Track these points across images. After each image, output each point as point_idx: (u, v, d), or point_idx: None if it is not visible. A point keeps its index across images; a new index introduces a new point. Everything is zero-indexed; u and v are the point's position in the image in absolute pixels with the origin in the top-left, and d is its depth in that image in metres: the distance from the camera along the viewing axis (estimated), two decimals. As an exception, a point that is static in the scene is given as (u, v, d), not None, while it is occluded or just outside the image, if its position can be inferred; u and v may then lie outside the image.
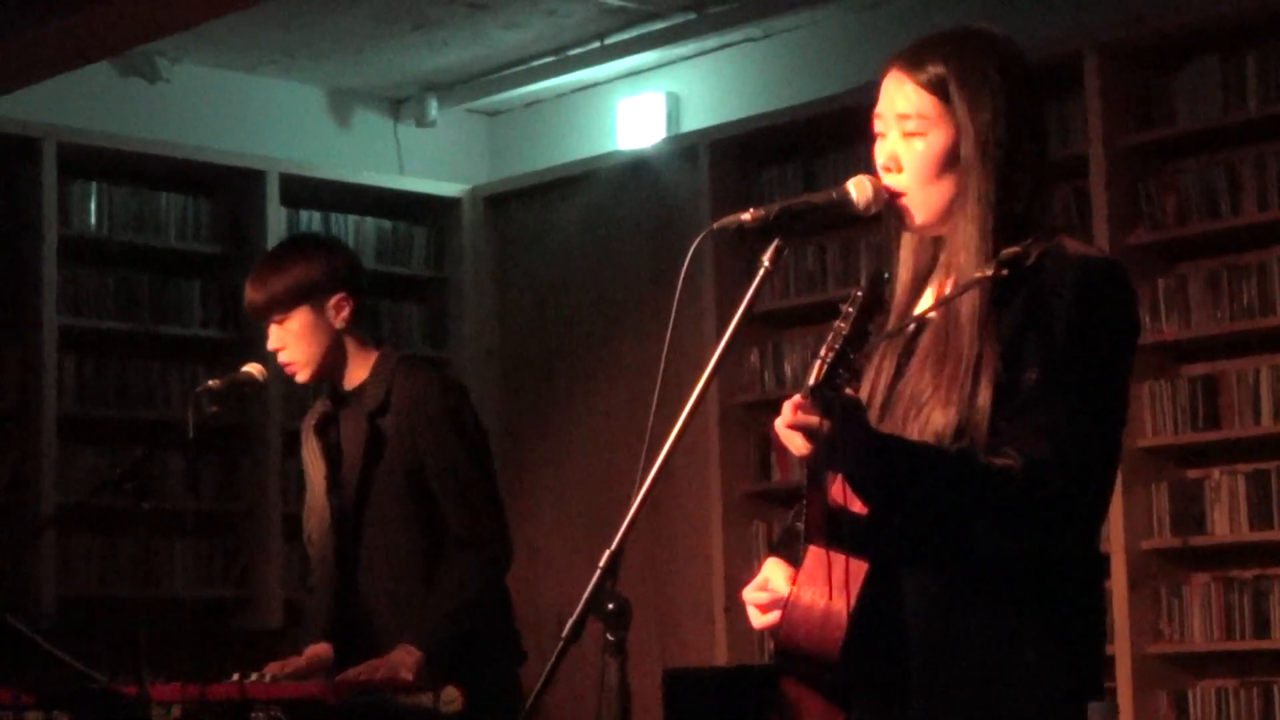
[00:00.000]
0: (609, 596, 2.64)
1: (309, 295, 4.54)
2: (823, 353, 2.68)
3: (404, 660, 4.33)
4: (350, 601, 4.57)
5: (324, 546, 4.61)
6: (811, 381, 2.67)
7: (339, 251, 4.72)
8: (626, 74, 8.45)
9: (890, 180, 2.91)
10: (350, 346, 4.60)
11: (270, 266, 4.61)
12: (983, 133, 2.87)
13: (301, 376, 4.60)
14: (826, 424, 2.66)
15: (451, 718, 4.27)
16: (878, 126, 2.95)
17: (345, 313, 4.57)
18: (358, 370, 4.60)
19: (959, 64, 2.89)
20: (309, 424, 4.71)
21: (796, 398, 2.69)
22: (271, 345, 4.59)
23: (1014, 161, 2.88)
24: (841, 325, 2.70)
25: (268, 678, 4.30)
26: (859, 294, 2.72)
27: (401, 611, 4.48)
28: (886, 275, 2.94)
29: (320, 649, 4.56)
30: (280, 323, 4.55)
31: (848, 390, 2.70)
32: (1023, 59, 2.94)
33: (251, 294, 4.57)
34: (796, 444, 2.70)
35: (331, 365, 4.59)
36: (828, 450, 2.68)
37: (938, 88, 2.88)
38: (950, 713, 2.81)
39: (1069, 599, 2.82)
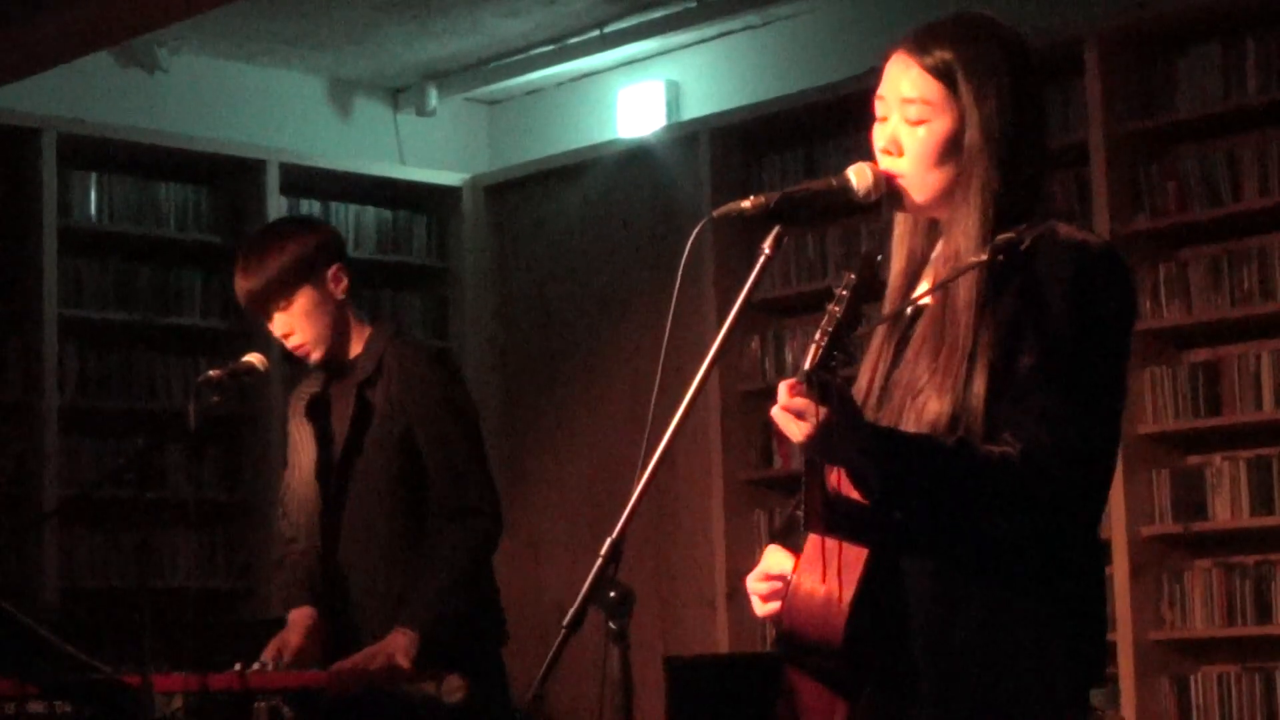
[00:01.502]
0: (610, 584, 2.64)
1: (308, 273, 4.50)
2: (817, 336, 2.68)
3: (400, 644, 4.32)
4: (332, 573, 4.55)
5: (306, 517, 4.58)
6: (807, 365, 2.67)
7: (319, 225, 4.73)
8: (626, 62, 8.45)
9: (888, 163, 2.91)
10: (350, 319, 4.58)
11: (260, 255, 4.53)
12: (988, 121, 2.86)
13: (315, 356, 4.56)
14: (824, 411, 2.66)
15: (454, 707, 4.27)
16: (879, 109, 2.94)
17: (344, 283, 4.55)
18: (355, 344, 4.59)
19: (966, 51, 2.88)
20: (299, 406, 4.68)
21: (791, 380, 2.69)
22: (279, 332, 4.55)
23: (1017, 150, 2.88)
24: (835, 309, 2.70)
25: (270, 666, 4.30)
26: (852, 276, 2.72)
27: (383, 582, 4.46)
28: (880, 257, 2.94)
29: (303, 614, 4.53)
30: (285, 308, 4.52)
31: (841, 375, 2.71)
32: (1026, 47, 2.94)
33: (249, 285, 4.51)
34: (793, 430, 2.70)
35: (340, 338, 4.57)
36: (824, 436, 2.68)
37: (944, 73, 2.88)
38: (953, 699, 2.81)
39: (1070, 586, 2.82)
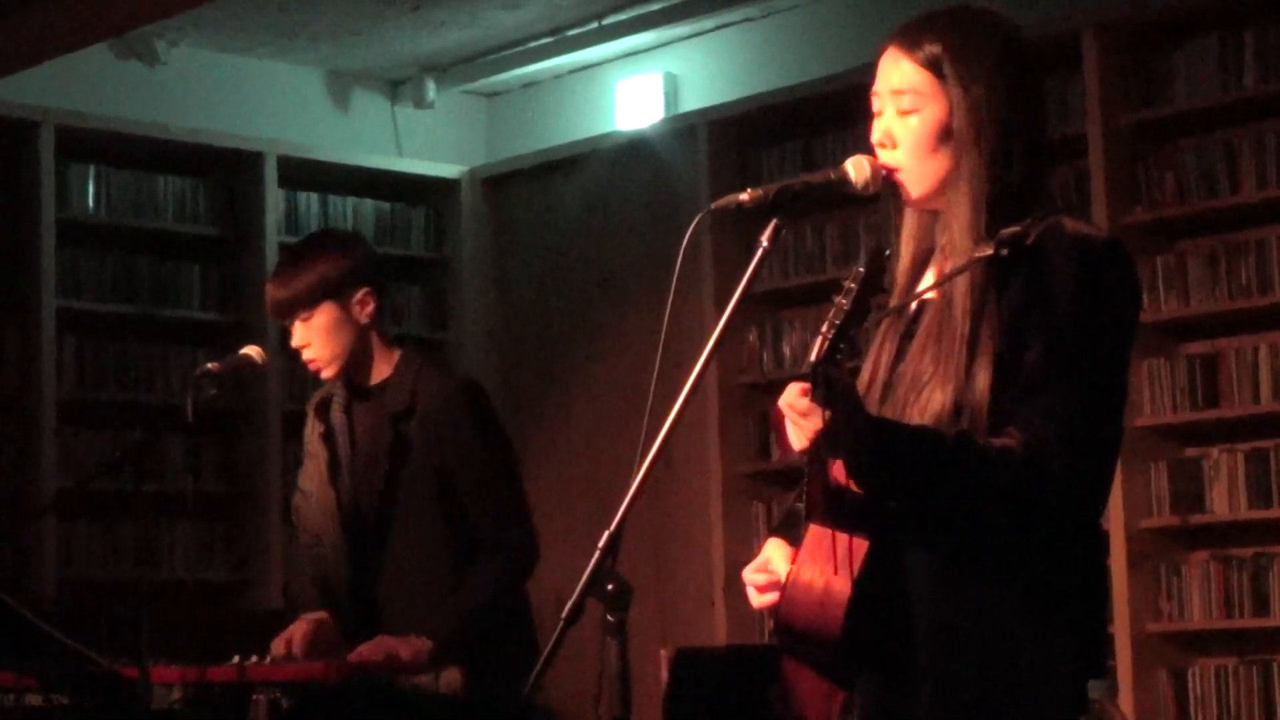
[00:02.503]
0: (609, 577, 2.65)
1: (334, 291, 4.48)
2: (824, 329, 2.69)
3: (415, 645, 4.32)
4: (366, 604, 4.53)
5: (333, 544, 4.57)
6: (812, 358, 2.67)
7: (361, 246, 4.65)
8: (624, 54, 8.44)
9: (885, 156, 2.92)
10: (375, 343, 4.55)
11: (293, 264, 4.54)
12: (976, 108, 2.87)
13: (327, 374, 4.55)
14: (828, 414, 2.67)
15: (451, 699, 4.27)
16: (874, 104, 2.96)
17: (370, 308, 4.51)
18: (381, 368, 4.55)
19: (954, 41, 2.90)
20: (315, 414, 4.67)
21: (803, 384, 2.70)
22: (296, 343, 4.53)
23: (1008, 138, 2.88)
24: (843, 302, 2.70)
25: (267, 660, 4.29)
26: (861, 270, 2.73)
27: (418, 613, 4.45)
28: (888, 252, 2.95)
29: (320, 615, 4.53)
30: (305, 320, 4.50)
31: (850, 368, 2.71)
32: (1020, 37, 2.95)
33: (275, 292, 4.51)
34: (795, 436, 2.72)
35: (356, 362, 4.55)
36: (829, 436, 2.69)
37: (933, 64, 2.89)
38: (952, 691, 2.81)
39: (1071, 578, 2.83)
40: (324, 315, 4.49)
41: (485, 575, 4.46)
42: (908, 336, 2.91)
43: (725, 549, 7.56)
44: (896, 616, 2.82)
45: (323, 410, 4.63)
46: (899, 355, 2.91)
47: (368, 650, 4.32)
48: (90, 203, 7.75)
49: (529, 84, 8.84)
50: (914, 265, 2.98)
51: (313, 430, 4.64)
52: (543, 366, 8.48)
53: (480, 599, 4.44)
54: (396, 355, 4.56)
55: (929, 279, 2.95)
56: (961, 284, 2.82)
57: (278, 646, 4.41)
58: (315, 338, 4.51)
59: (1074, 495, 2.79)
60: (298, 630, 4.45)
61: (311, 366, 4.55)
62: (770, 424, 7.54)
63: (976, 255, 2.82)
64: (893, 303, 2.95)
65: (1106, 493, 2.88)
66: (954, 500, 2.77)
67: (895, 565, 2.81)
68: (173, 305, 7.92)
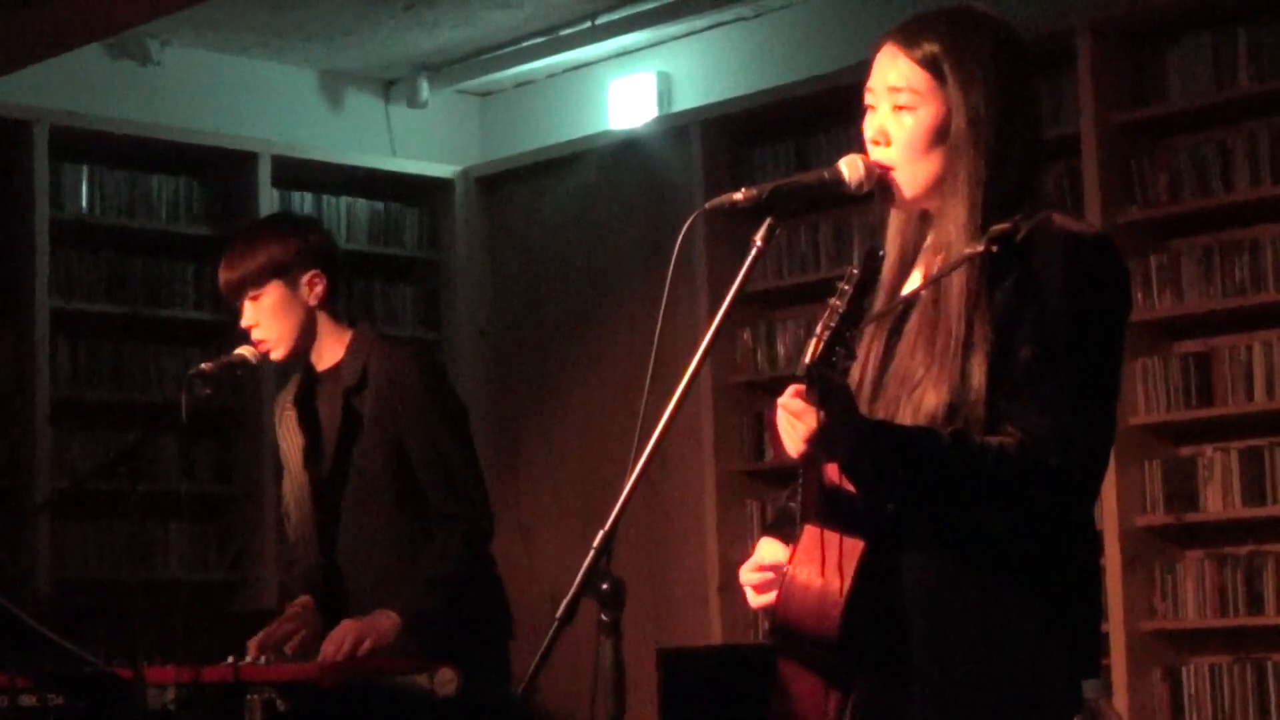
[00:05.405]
0: (603, 576, 2.65)
1: (281, 271, 4.55)
2: (819, 331, 2.69)
3: (382, 626, 4.33)
4: (331, 578, 4.58)
5: (303, 523, 4.62)
6: (807, 360, 2.67)
7: (313, 230, 4.72)
8: (618, 54, 8.45)
9: (878, 154, 2.91)
10: (324, 325, 4.60)
11: (244, 243, 4.63)
12: (974, 111, 2.87)
13: (276, 354, 4.60)
14: (823, 415, 2.67)
15: (446, 699, 4.27)
16: (868, 100, 2.95)
17: (319, 290, 4.57)
18: (333, 349, 4.60)
19: (953, 41, 2.89)
20: (286, 399, 4.72)
21: (798, 385, 2.70)
22: (245, 322, 4.60)
23: (1005, 140, 2.88)
24: (837, 304, 2.70)
25: (262, 660, 4.30)
26: (855, 272, 2.73)
27: (382, 588, 4.48)
28: (882, 253, 2.95)
29: (302, 600, 4.57)
30: (254, 299, 4.57)
31: (842, 369, 2.72)
32: (1017, 39, 2.95)
33: (225, 271, 4.61)
34: (790, 440, 2.72)
35: (306, 343, 4.60)
36: (821, 442, 2.69)
37: (930, 64, 2.89)
38: (948, 690, 2.81)
39: (1065, 577, 2.83)
40: (272, 295, 4.56)
41: (443, 545, 4.47)
42: (896, 335, 2.91)
43: (719, 548, 7.56)
44: (892, 617, 2.82)
45: (304, 398, 4.65)
46: (887, 354, 2.91)
47: (333, 642, 4.32)
48: (84, 203, 7.75)
49: (522, 83, 8.84)
50: (900, 263, 2.98)
51: (287, 422, 4.67)
52: (536, 366, 8.48)
53: (441, 570, 4.45)
54: (349, 335, 4.60)
55: (915, 278, 2.95)
56: (954, 283, 2.82)
57: (252, 648, 4.43)
58: (263, 317, 4.57)
59: (1071, 490, 2.79)
60: (276, 630, 4.49)
61: (261, 348, 4.60)
62: (766, 424, 7.54)
63: (966, 252, 2.82)
64: (879, 302, 2.95)
65: (1099, 487, 2.88)
66: (952, 499, 2.77)
67: (891, 566, 2.81)
68: (166, 305, 7.91)
